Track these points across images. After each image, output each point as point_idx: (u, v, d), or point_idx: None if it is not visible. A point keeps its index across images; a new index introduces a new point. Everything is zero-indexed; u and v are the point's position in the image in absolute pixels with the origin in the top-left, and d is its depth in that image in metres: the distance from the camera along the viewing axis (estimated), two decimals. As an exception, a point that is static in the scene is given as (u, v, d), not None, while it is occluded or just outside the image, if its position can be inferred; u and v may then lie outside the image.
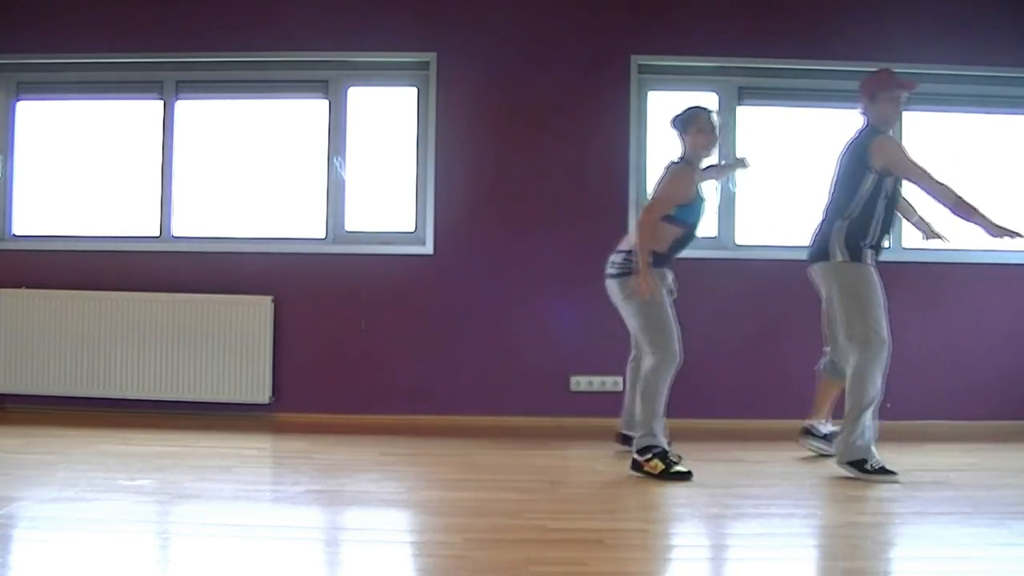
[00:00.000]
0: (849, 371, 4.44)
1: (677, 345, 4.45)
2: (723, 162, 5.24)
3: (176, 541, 3.31)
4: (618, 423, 4.84)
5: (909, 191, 4.61)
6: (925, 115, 5.90)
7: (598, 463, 4.62)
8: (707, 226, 5.79)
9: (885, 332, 4.46)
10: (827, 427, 4.77)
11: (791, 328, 5.54)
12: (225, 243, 5.81)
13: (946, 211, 4.43)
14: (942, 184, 4.36)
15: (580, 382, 5.70)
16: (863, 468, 4.27)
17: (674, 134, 4.58)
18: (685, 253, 5.69)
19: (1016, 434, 5.42)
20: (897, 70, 5.80)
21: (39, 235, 5.89)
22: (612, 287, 4.60)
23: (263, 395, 5.63)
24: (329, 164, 5.83)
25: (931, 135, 5.91)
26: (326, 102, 5.85)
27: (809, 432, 4.80)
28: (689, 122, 4.53)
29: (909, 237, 5.86)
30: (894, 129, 4.54)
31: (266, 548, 3.12)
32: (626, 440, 4.64)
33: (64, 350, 5.63)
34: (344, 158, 5.83)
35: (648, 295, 4.35)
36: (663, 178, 4.56)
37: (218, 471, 4.26)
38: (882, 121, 4.53)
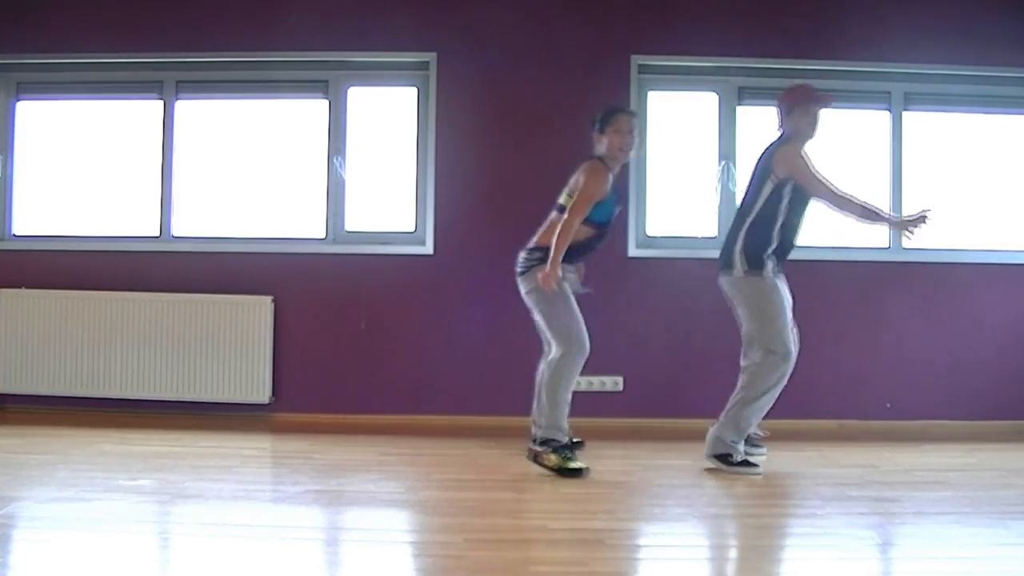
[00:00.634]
0: (747, 367, 4.46)
1: (584, 336, 4.46)
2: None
3: (176, 541, 3.31)
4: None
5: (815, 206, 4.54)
6: (925, 115, 5.90)
7: (598, 463, 4.61)
8: (707, 226, 5.82)
9: (789, 345, 4.46)
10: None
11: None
12: (225, 243, 5.81)
13: (853, 220, 4.42)
14: (844, 196, 4.36)
15: (580, 382, 5.65)
16: (728, 461, 4.36)
17: (593, 132, 4.57)
18: (687, 253, 5.73)
19: (1016, 434, 5.42)
20: (897, 70, 5.83)
21: (39, 235, 5.89)
22: (519, 284, 4.61)
23: (263, 395, 5.63)
24: (329, 164, 5.82)
25: (931, 135, 5.91)
26: (326, 102, 5.85)
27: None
28: (607, 122, 4.53)
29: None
30: (810, 141, 4.53)
31: (266, 548, 3.12)
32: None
33: (64, 350, 5.63)
34: (344, 158, 5.83)
35: (551, 289, 4.37)
36: (581, 178, 4.52)
37: (218, 471, 4.26)
38: (796, 134, 4.51)
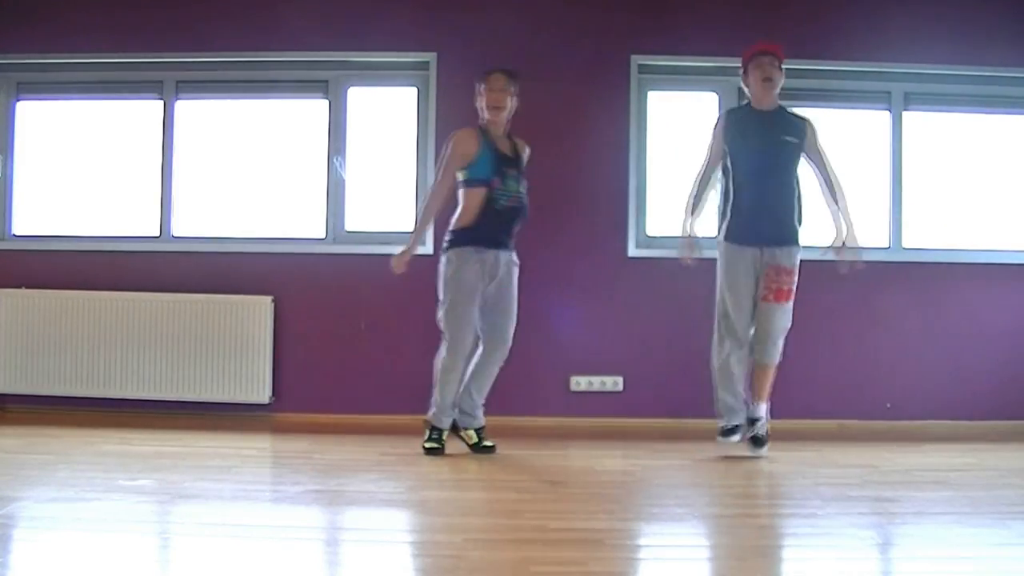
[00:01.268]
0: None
1: (467, 336, 4.55)
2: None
3: (176, 541, 3.31)
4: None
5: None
6: (925, 115, 5.90)
7: (598, 463, 4.61)
8: (707, 226, 5.81)
9: (732, 324, 4.59)
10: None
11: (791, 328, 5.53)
12: (225, 243, 5.81)
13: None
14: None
15: (580, 382, 5.70)
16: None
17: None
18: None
19: (1016, 434, 5.42)
20: (897, 70, 5.83)
21: (39, 235, 5.89)
22: None
23: (263, 395, 5.63)
24: (329, 164, 5.82)
25: (931, 135, 5.91)
26: (326, 102, 5.85)
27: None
28: (481, 82, 4.62)
29: (909, 237, 5.87)
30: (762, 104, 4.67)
31: (266, 548, 3.11)
32: (455, 427, 4.72)
33: (64, 350, 5.63)
34: (344, 158, 5.83)
35: (398, 270, 4.46)
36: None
37: (218, 471, 4.25)
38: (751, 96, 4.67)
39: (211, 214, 5.91)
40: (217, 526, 3.36)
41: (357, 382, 5.72)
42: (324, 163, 5.84)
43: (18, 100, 5.93)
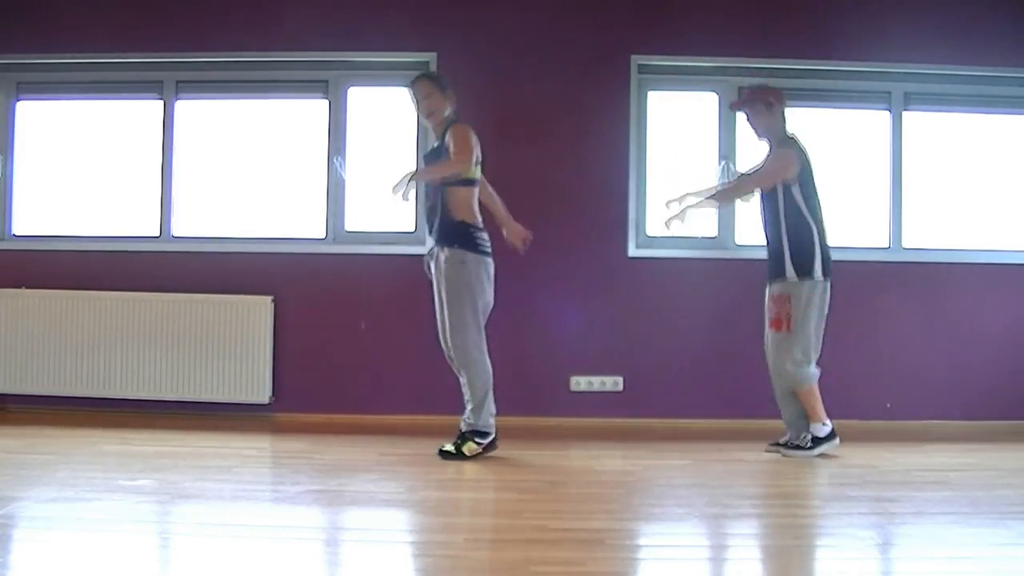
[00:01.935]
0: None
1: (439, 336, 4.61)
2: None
3: (176, 541, 3.31)
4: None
5: None
6: (925, 115, 5.90)
7: (598, 463, 4.61)
8: (707, 226, 5.82)
9: None
10: None
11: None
12: (225, 243, 5.81)
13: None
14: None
15: (580, 382, 5.70)
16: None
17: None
18: (686, 253, 5.74)
19: (1016, 434, 5.42)
20: (897, 70, 5.83)
21: (39, 235, 5.89)
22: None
23: (263, 395, 5.63)
24: (329, 164, 5.82)
25: (931, 135, 5.91)
26: (326, 102, 5.85)
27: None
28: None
29: (909, 237, 5.87)
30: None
31: (266, 548, 3.11)
32: None
33: (64, 350, 5.63)
34: (344, 158, 5.83)
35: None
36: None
37: (218, 471, 4.25)
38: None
39: (211, 214, 5.91)
40: (217, 526, 3.36)
41: (357, 382, 5.71)
42: (324, 163, 5.83)
43: (18, 100, 5.93)
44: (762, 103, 4.75)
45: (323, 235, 5.85)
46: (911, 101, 5.89)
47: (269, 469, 4.59)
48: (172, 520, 3.57)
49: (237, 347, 5.62)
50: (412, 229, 5.78)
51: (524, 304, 5.70)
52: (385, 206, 4.97)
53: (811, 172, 4.71)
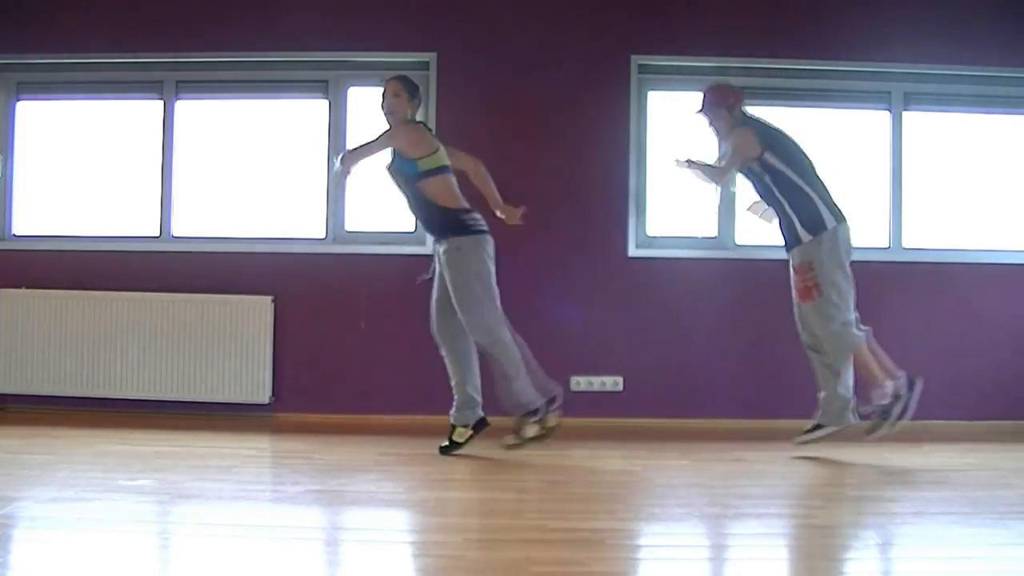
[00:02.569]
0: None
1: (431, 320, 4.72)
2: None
3: (176, 541, 3.31)
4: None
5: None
6: (925, 115, 5.90)
7: (598, 463, 4.62)
8: (707, 226, 5.82)
9: None
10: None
11: (791, 328, 5.52)
12: (225, 243, 5.80)
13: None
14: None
15: (580, 382, 5.70)
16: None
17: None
18: (686, 253, 5.73)
19: (1016, 434, 5.42)
20: (897, 70, 5.83)
21: (39, 235, 5.89)
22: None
23: (263, 395, 5.63)
24: (329, 164, 5.82)
25: (931, 135, 5.91)
26: (326, 102, 5.85)
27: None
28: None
29: (909, 237, 5.87)
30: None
31: (266, 548, 3.12)
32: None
33: (64, 350, 5.63)
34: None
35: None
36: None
37: (218, 471, 4.26)
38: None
39: (211, 214, 5.90)
40: (217, 526, 3.36)
41: (357, 382, 5.71)
42: (324, 163, 5.83)
43: (18, 100, 5.93)
44: (724, 107, 4.84)
45: (323, 235, 5.85)
46: (911, 101, 5.89)
47: (269, 469, 4.60)
48: (172, 520, 3.57)
49: (237, 347, 5.62)
50: (412, 229, 5.78)
51: (524, 304, 5.69)
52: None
53: (781, 139, 4.79)
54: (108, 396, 5.63)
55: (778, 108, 5.85)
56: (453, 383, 4.72)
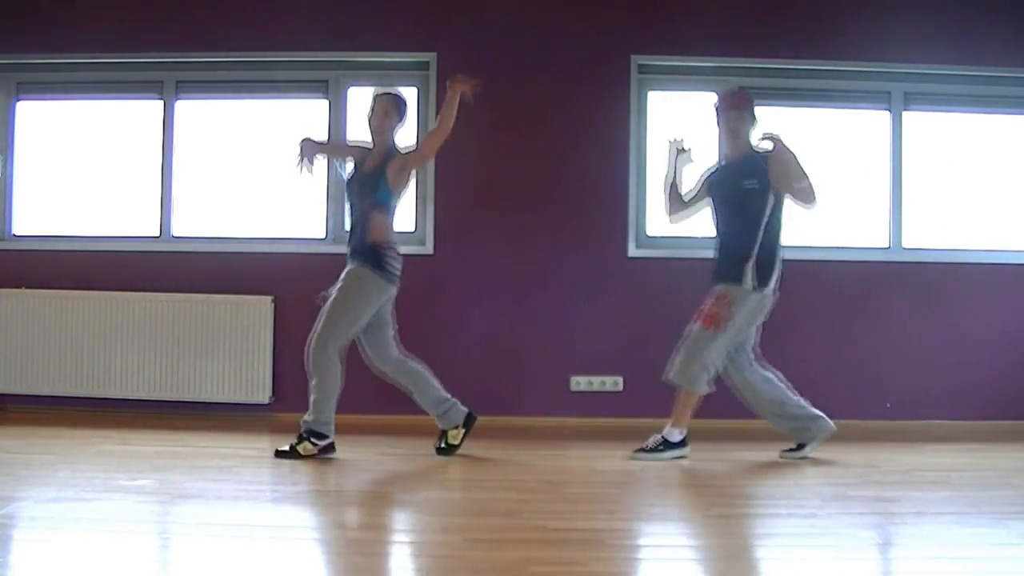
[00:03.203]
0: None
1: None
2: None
3: (176, 541, 3.31)
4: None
5: None
6: (925, 115, 5.90)
7: (598, 463, 4.61)
8: (707, 226, 5.80)
9: None
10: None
11: (791, 328, 5.53)
12: (225, 243, 5.81)
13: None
14: None
15: (580, 382, 5.70)
16: None
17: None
18: (686, 253, 5.73)
19: (1016, 434, 5.41)
20: (897, 70, 5.83)
21: (39, 235, 5.89)
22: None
23: (263, 395, 5.63)
24: (329, 164, 5.82)
25: (931, 135, 5.91)
26: (326, 102, 5.85)
27: None
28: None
29: (909, 237, 5.87)
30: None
31: (266, 548, 3.11)
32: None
33: (64, 350, 5.63)
34: (344, 159, 5.82)
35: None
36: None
37: (218, 471, 4.25)
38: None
39: (211, 214, 5.90)
40: (217, 526, 3.36)
41: (357, 382, 5.69)
42: (324, 163, 5.83)
43: (18, 100, 5.93)
44: (750, 114, 4.70)
45: (323, 235, 5.85)
46: (911, 101, 5.89)
47: (269, 469, 4.59)
48: (172, 520, 3.57)
49: (237, 347, 5.62)
50: (412, 229, 5.78)
51: (524, 304, 5.70)
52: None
53: None
54: (108, 396, 5.63)
55: (778, 108, 5.86)
56: (421, 402, 4.67)
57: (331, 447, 4.55)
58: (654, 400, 5.67)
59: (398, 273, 4.63)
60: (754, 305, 4.59)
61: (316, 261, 5.76)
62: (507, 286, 5.74)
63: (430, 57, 5.73)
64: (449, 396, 4.67)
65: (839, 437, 4.74)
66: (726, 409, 5.64)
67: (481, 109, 5.75)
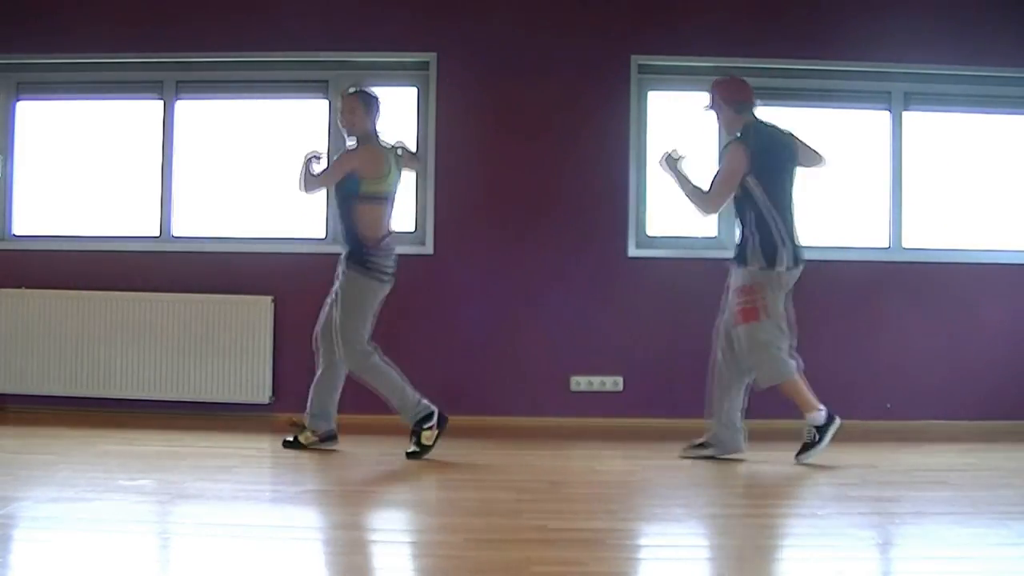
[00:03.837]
0: None
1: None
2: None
3: (176, 541, 3.31)
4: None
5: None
6: (925, 115, 5.90)
7: (598, 463, 4.62)
8: (707, 226, 5.81)
9: None
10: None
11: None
12: (225, 243, 5.80)
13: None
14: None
15: (580, 382, 5.70)
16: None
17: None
18: (686, 253, 5.74)
19: (1016, 434, 5.41)
20: (897, 70, 5.83)
21: (39, 235, 5.89)
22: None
23: (263, 395, 5.63)
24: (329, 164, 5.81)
25: (931, 135, 5.91)
26: (326, 102, 5.85)
27: None
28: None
29: (909, 237, 5.87)
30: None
31: (266, 548, 3.12)
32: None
33: (64, 350, 5.63)
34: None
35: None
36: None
37: (218, 471, 4.26)
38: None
39: (211, 214, 5.90)
40: (217, 526, 3.37)
41: (357, 382, 5.70)
42: (324, 163, 5.82)
43: (18, 100, 5.93)
44: (731, 107, 4.68)
45: (323, 235, 5.85)
46: (911, 101, 5.89)
47: (269, 469, 4.59)
48: (172, 520, 3.57)
49: (237, 347, 5.62)
50: (412, 229, 5.78)
51: (524, 304, 5.70)
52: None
53: (770, 161, 4.62)
54: (108, 396, 5.63)
55: (778, 108, 5.85)
56: (393, 401, 4.65)
57: (334, 437, 4.68)
58: (654, 400, 5.69)
59: (387, 270, 4.64)
60: (773, 283, 4.59)
61: (316, 261, 5.75)
62: (507, 286, 5.73)
63: (430, 57, 5.73)
64: (417, 395, 4.63)
65: (839, 437, 4.73)
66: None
67: (481, 109, 5.77)
